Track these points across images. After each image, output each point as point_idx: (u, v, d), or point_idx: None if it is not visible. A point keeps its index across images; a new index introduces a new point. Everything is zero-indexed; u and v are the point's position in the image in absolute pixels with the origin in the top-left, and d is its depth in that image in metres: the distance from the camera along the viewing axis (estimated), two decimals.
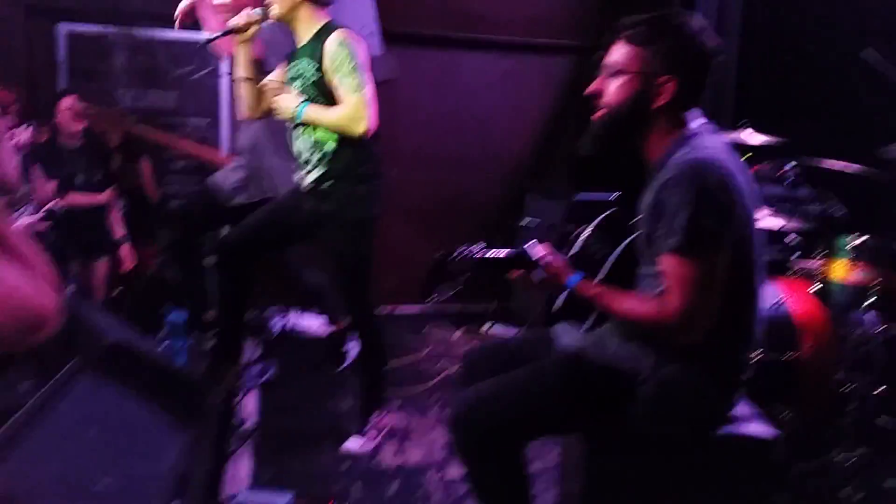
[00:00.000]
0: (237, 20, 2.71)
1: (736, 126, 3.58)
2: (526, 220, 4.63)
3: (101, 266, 3.94)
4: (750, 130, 3.48)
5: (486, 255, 1.84)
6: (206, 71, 4.82)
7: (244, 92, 2.86)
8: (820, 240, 2.93)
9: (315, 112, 2.67)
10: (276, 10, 2.68)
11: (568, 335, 2.01)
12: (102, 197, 3.94)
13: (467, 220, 5.12)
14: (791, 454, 2.54)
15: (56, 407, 1.86)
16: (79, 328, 2.51)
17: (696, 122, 1.80)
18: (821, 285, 2.80)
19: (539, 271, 1.86)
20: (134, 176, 4.33)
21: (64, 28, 4.32)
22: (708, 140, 1.76)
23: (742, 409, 1.95)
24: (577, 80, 5.03)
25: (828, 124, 3.96)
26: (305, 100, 2.69)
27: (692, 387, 1.77)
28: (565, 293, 1.99)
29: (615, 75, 1.77)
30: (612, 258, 1.95)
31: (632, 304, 1.78)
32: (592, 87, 1.82)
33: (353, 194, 2.74)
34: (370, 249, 2.85)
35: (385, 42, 4.53)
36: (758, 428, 1.91)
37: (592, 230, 2.05)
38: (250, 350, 3.77)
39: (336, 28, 2.68)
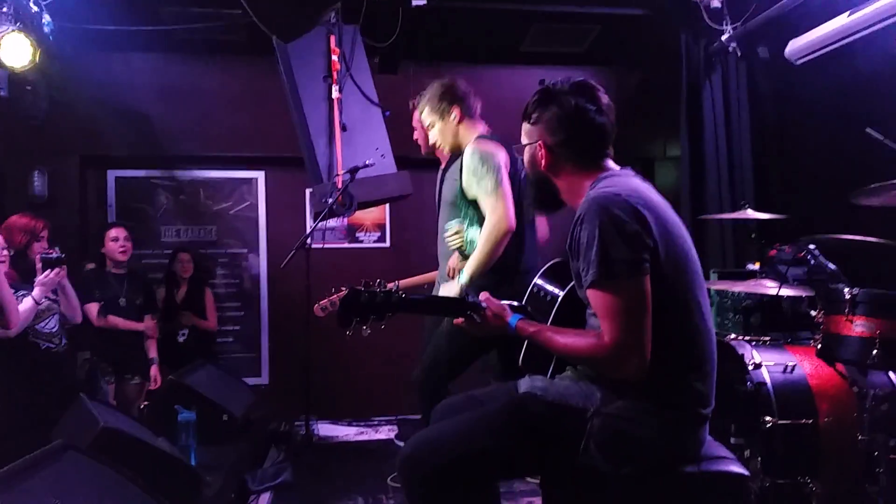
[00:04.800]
0: None
1: (737, 207, 3.60)
2: None
3: (133, 385, 4.13)
4: (750, 210, 3.49)
5: (424, 295, 1.87)
6: (244, 205, 5.24)
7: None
8: (819, 295, 2.83)
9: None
10: None
11: (527, 382, 2.00)
12: (141, 324, 4.15)
13: None
14: None
15: (31, 477, 1.93)
16: (78, 415, 2.65)
17: (610, 168, 1.89)
18: (823, 341, 2.68)
19: (480, 314, 1.89)
20: (198, 305, 4.64)
21: (112, 174, 4.87)
22: (618, 179, 1.82)
23: (714, 448, 1.87)
24: None
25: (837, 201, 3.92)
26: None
27: (643, 420, 1.71)
28: (524, 348, 2.00)
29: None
30: (558, 300, 1.95)
31: (569, 339, 1.78)
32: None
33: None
34: None
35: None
36: (730, 466, 1.81)
37: (540, 276, 2.07)
38: (273, 456, 3.79)
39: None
